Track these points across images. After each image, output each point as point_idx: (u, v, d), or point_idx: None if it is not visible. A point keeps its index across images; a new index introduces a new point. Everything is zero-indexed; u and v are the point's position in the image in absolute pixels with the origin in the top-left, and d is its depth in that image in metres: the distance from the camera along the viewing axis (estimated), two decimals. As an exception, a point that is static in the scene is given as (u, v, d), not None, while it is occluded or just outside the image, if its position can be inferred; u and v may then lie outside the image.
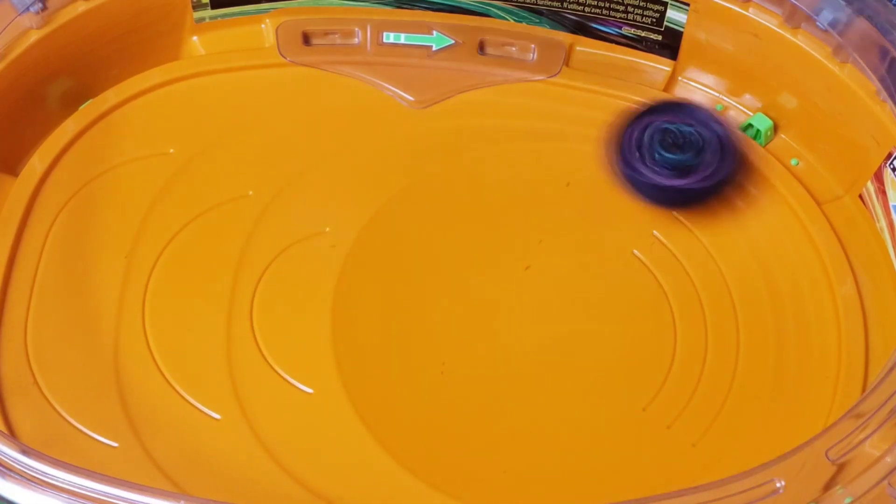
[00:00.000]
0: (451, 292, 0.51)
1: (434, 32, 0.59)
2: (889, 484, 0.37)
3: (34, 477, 0.37)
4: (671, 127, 0.52)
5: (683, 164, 0.52)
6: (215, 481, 0.45)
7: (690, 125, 0.52)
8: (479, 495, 0.45)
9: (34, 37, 0.54)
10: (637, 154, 0.53)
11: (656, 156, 0.52)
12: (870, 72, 0.50)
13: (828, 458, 0.37)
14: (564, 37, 0.59)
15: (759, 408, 0.47)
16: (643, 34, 0.58)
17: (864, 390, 0.47)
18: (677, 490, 0.37)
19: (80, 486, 0.36)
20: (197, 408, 0.47)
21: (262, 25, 0.59)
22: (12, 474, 0.37)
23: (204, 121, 0.56)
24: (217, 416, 0.46)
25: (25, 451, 0.37)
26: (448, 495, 0.45)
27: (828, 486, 0.38)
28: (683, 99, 0.58)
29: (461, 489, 0.45)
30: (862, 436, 0.39)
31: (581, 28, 0.59)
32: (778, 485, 0.37)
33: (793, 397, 0.47)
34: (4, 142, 0.54)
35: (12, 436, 0.43)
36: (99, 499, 0.36)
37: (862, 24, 0.50)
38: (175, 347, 0.48)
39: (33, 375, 0.47)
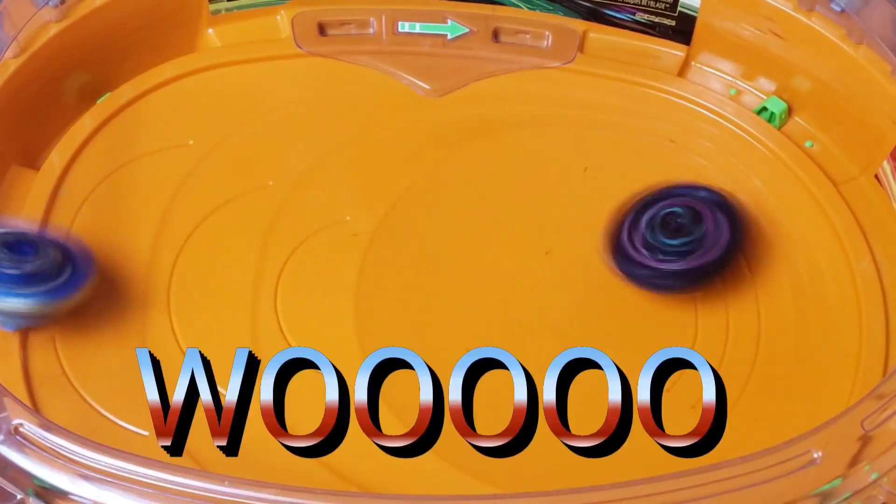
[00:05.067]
0: (472, 278, 0.51)
1: (449, 21, 0.59)
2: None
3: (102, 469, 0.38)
4: (664, 212, 0.50)
5: (688, 244, 0.49)
6: (245, 467, 0.45)
7: (679, 204, 0.50)
8: (504, 477, 0.45)
9: (53, 30, 0.54)
10: (639, 250, 0.49)
11: (659, 245, 0.49)
12: (888, 51, 0.50)
13: (863, 429, 0.38)
14: (578, 23, 0.59)
15: (782, 387, 0.48)
16: (657, 20, 0.59)
17: (885, 368, 0.47)
18: (714, 463, 0.37)
19: (134, 473, 0.37)
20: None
21: (278, 17, 0.60)
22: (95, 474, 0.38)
23: (222, 112, 0.57)
24: (245, 403, 0.47)
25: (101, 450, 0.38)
26: (475, 477, 0.45)
27: (854, 463, 0.38)
28: (662, 184, 0.52)
29: (488, 471, 0.45)
30: (888, 412, 0.39)
31: (595, 14, 0.59)
32: (815, 455, 0.37)
33: (814, 376, 0.48)
34: (24, 136, 0.55)
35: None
36: (152, 483, 0.37)
37: (878, 4, 0.51)
38: (201, 336, 0.49)
39: (62, 366, 0.47)
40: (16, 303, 0.46)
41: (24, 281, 0.46)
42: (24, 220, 0.51)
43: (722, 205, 0.50)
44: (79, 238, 0.50)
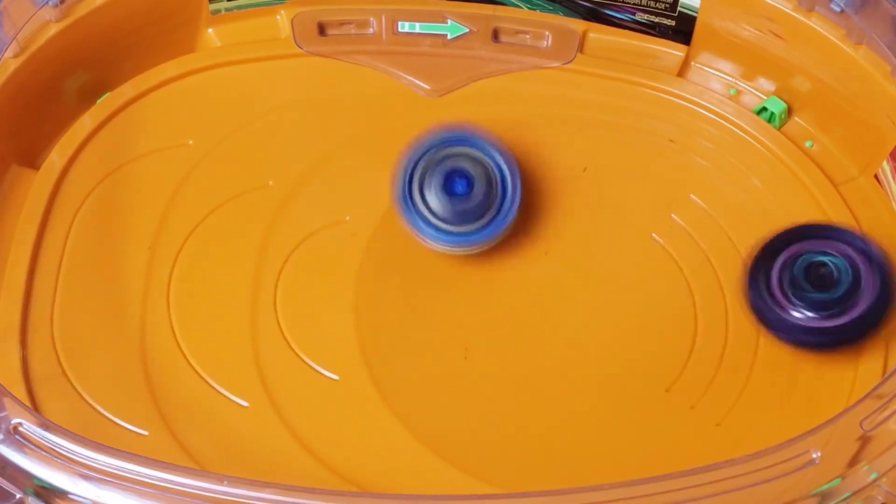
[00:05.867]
0: (471, 277, 0.51)
1: (449, 21, 0.59)
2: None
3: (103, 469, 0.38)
4: (817, 259, 0.47)
5: (834, 301, 0.46)
6: (244, 468, 0.45)
7: (836, 253, 0.47)
8: (504, 477, 0.45)
9: (53, 30, 0.54)
10: (779, 295, 0.47)
11: (802, 295, 0.47)
12: (888, 51, 0.50)
13: (862, 429, 0.38)
14: (578, 23, 0.59)
15: (782, 387, 0.48)
16: (657, 20, 0.59)
17: (884, 368, 0.47)
18: (714, 463, 0.37)
19: (134, 473, 0.37)
20: (224, 395, 0.47)
21: (278, 16, 0.59)
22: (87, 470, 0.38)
23: (222, 112, 0.56)
24: (244, 403, 0.47)
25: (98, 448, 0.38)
26: (474, 477, 0.45)
27: (853, 463, 0.38)
28: (823, 223, 0.51)
29: (487, 471, 0.45)
30: (887, 412, 0.39)
31: (594, 14, 0.59)
32: (814, 455, 0.37)
33: (814, 377, 0.48)
34: (24, 135, 0.55)
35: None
36: (151, 483, 0.37)
37: (878, 4, 0.51)
38: (201, 337, 0.49)
39: (61, 366, 0.47)
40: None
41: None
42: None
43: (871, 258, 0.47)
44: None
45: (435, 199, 0.50)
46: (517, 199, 0.50)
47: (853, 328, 0.46)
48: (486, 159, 0.51)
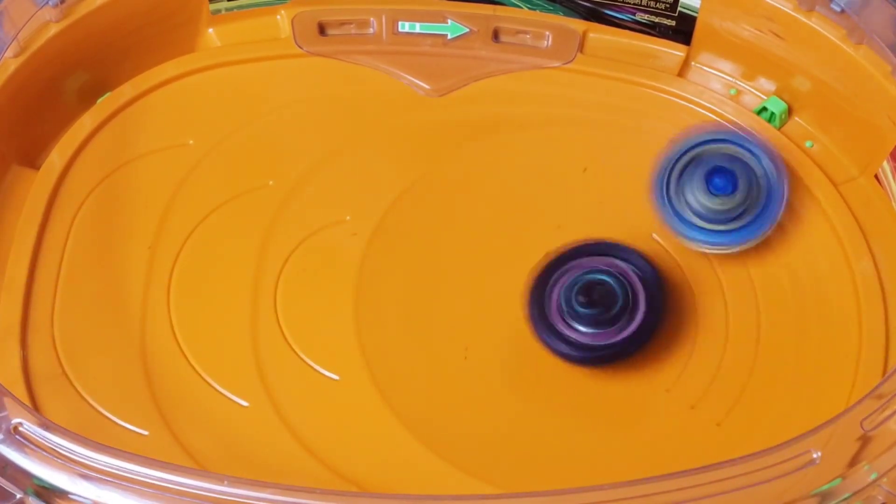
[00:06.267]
0: (471, 278, 0.51)
1: (449, 21, 0.59)
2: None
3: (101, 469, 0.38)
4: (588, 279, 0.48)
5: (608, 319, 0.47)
6: (244, 467, 0.45)
7: (612, 271, 0.48)
8: (504, 477, 0.45)
9: (53, 30, 0.54)
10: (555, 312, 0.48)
11: (577, 312, 0.47)
12: (889, 51, 0.50)
13: (862, 429, 0.38)
14: (578, 23, 0.59)
15: (782, 387, 0.48)
16: (657, 20, 0.59)
17: (885, 368, 0.47)
18: (715, 463, 0.37)
19: (134, 473, 0.37)
20: (225, 395, 0.47)
21: (278, 16, 0.59)
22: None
23: (222, 112, 0.56)
24: (245, 403, 0.47)
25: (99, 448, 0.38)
26: (474, 477, 0.45)
27: (853, 463, 0.38)
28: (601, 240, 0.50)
29: (487, 471, 0.45)
30: (888, 412, 0.39)
31: (595, 14, 0.59)
32: (814, 455, 0.37)
33: (815, 376, 0.48)
34: (24, 135, 0.55)
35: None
36: (151, 483, 0.37)
37: (878, 5, 0.51)
38: (201, 336, 0.49)
39: (61, 366, 0.47)
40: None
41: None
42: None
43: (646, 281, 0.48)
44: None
45: (695, 198, 0.49)
46: (784, 197, 0.49)
47: (627, 344, 0.47)
48: (749, 156, 0.50)
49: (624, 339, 0.47)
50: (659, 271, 0.49)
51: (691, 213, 0.49)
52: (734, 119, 0.56)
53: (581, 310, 0.47)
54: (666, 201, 0.49)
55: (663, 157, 0.49)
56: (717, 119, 0.56)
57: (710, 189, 0.49)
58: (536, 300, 0.48)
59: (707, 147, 0.50)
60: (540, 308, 0.48)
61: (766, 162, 0.50)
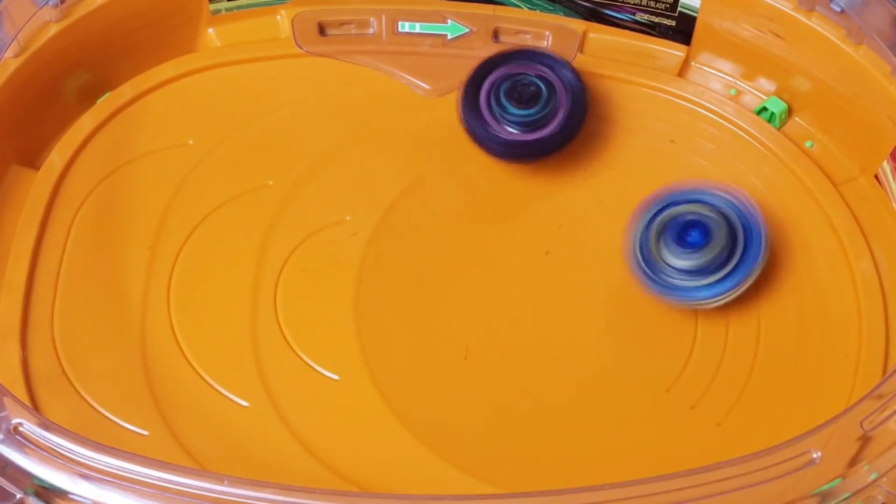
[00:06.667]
0: (472, 278, 0.51)
1: (449, 21, 0.59)
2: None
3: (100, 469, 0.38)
4: (518, 79, 0.53)
5: (533, 118, 0.53)
6: (245, 467, 0.45)
7: (536, 73, 0.53)
8: (505, 477, 0.45)
9: (53, 30, 0.54)
10: (488, 111, 0.53)
11: (506, 112, 0.53)
12: (888, 51, 0.50)
13: (862, 429, 0.38)
14: (578, 24, 0.59)
15: (782, 387, 0.48)
16: (657, 20, 0.59)
17: (885, 368, 0.47)
18: (715, 463, 0.37)
19: (134, 473, 0.37)
20: (225, 395, 0.47)
21: (278, 17, 0.59)
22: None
23: (222, 112, 0.56)
24: (245, 403, 0.47)
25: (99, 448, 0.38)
26: (475, 477, 0.45)
27: (853, 463, 0.38)
28: (524, 46, 0.57)
29: (488, 471, 0.45)
30: (888, 412, 0.39)
31: (595, 15, 0.59)
32: (814, 455, 0.37)
33: (814, 376, 0.48)
34: (24, 135, 0.55)
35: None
36: (152, 483, 0.37)
37: (878, 5, 0.51)
38: (201, 337, 0.49)
39: (61, 366, 0.47)
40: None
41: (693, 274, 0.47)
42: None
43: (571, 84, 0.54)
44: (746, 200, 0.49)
45: (673, 257, 0.48)
46: (764, 238, 0.49)
47: (550, 141, 0.53)
48: (719, 206, 0.49)
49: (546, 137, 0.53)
50: (581, 79, 0.54)
51: (672, 272, 0.48)
52: (735, 119, 0.56)
53: (510, 108, 0.53)
54: (644, 266, 0.49)
55: (633, 224, 0.50)
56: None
57: (685, 245, 0.48)
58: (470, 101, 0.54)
59: (675, 208, 0.49)
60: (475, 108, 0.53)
61: (739, 209, 0.49)
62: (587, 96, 0.54)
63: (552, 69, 0.54)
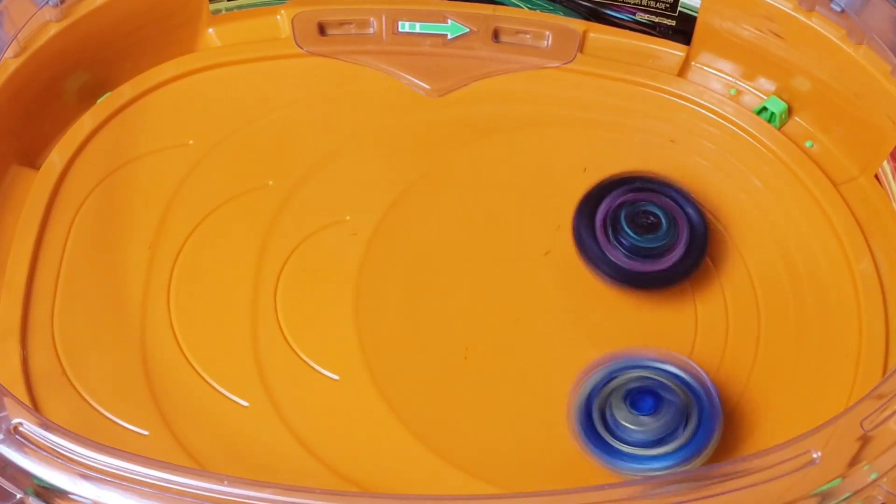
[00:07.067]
0: (472, 278, 0.51)
1: (449, 21, 0.59)
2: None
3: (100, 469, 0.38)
4: (644, 206, 0.50)
5: (653, 248, 0.50)
6: (244, 467, 0.45)
7: (662, 204, 0.51)
8: (504, 477, 0.45)
9: (53, 30, 0.54)
10: (605, 233, 0.50)
11: (625, 238, 0.50)
12: (889, 51, 0.50)
13: (862, 429, 0.38)
14: (578, 23, 0.59)
15: (782, 387, 0.48)
16: (657, 20, 0.59)
17: (885, 368, 0.47)
18: (714, 463, 0.37)
19: (134, 473, 0.37)
20: (225, 395, 0.47)
21: (278, 17, 0.60)
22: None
23: (222, 112, 0.57)
24: (245, 403, 0.47)
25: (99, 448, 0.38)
26: (475, 477, 0.45)
27: (853, 463, 0.38)
28: (657, 175, 0.52)
29: (488, 471, 0.45)
30: (888, 412, 0.39)
31: (595, 14, 0.59)
32: (814, 455, 0.37)
33: (815, 376, 0.48)
34: (24, 135, 0.55)
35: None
36: (152, 483, 0.37)
37: (878, 5, 0.51)
38: (201, 336, 0.49)
39: (61, 366, 0.47)
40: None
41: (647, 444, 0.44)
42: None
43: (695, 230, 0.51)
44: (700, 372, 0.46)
45: (624, 426, 0.44)
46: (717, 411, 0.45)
47: (663, 276, 0.50)
48: (664, 374, 0.46)
49: (660, 270, 0.49)
50: (707, 222, 0.51)
51: (623, 445, 0.44)
52: (735, 119, 0.56)
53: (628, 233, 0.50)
54: (591, 440, 0.45)
55: (575, 398, 0.46)
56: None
57: (635, 412, 0.45)
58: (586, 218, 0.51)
59: (621, 376, 0.46)
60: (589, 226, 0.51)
61: (685, 378, 0.46)
62: (707, 236, 0.51)
63: (677, 202, 0.51)
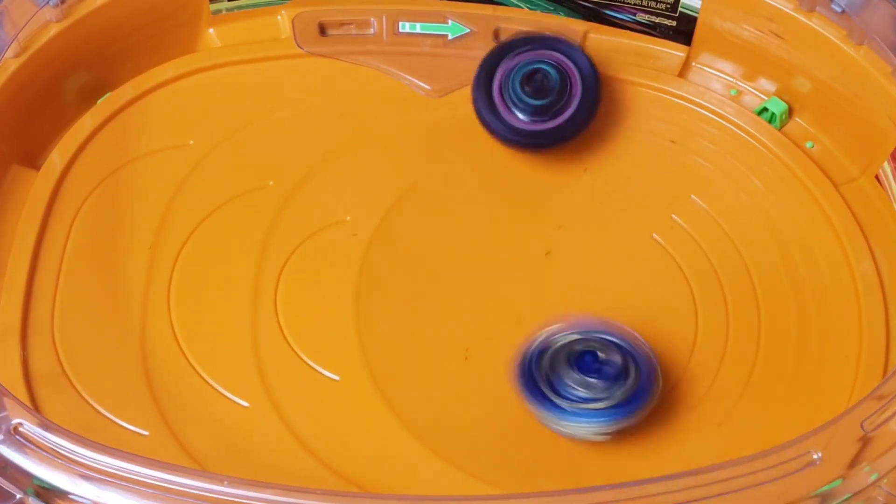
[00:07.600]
0: (472, 278, 0.51)
1: (450, 21, 0.59)
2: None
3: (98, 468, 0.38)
4: (535, 67, 0.54)
5: (547, 107, 0.53)
6: (245, 467, 0.45)
7: (551, 62, 0.54)
8: (504, 477, 0.45)
9: (53, 30, 0.54)
10: (501, 100, 0.54)
11: (519, 101, 0.53)
12: (889, 52, 0.50)
13: (863, 429, 0.38)
14: (578, 24, 0.59)
15: (782, 387, 0.48)
16: (657, 20, 0.59)
17: (885, 369, 0.47)
18: (715, 463, 0.37)
19: (134, 473, 0.37)
20: (225, 396, 0.47)
21: (278, 17, 0.59)
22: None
23: (222, 112, 0.56)
24: (245, 403, 0.47)
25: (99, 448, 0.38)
26: (474, 477, 0.45)
27: (854, 463, 0.38)
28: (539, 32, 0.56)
29: (488, 471, 0.45)
30: (888, 413, 0.39)
31: (595, 15, 0.59)
32: (815, 456, 0.37)
33: (815, 377, 0.48)
34: (25, 135, 0.55)
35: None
36: (152, 483, 0.37)
37: (879, 5, 0.51)
38: (202, 337, 0.49)
39: (62, 366, 0.47)
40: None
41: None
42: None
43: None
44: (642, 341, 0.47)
45: (568, 379, 0.45)
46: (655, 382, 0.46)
47: (562, 130, 0.54)
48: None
49: (557, 127, 0.53)
50: (596, 68, 0.54)
51: (571, 401, 0.45)
52: (735, 120, 0.56)
53: (523, 97, 0.53)
54: (537, 394, 0.45)
55: (519, 359, 0.47)
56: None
57: (582, 370, 0.45)
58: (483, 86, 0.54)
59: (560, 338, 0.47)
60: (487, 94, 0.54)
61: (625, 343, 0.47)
62: (600, 84, 0.54)
63: (567, 56, 0.54)
